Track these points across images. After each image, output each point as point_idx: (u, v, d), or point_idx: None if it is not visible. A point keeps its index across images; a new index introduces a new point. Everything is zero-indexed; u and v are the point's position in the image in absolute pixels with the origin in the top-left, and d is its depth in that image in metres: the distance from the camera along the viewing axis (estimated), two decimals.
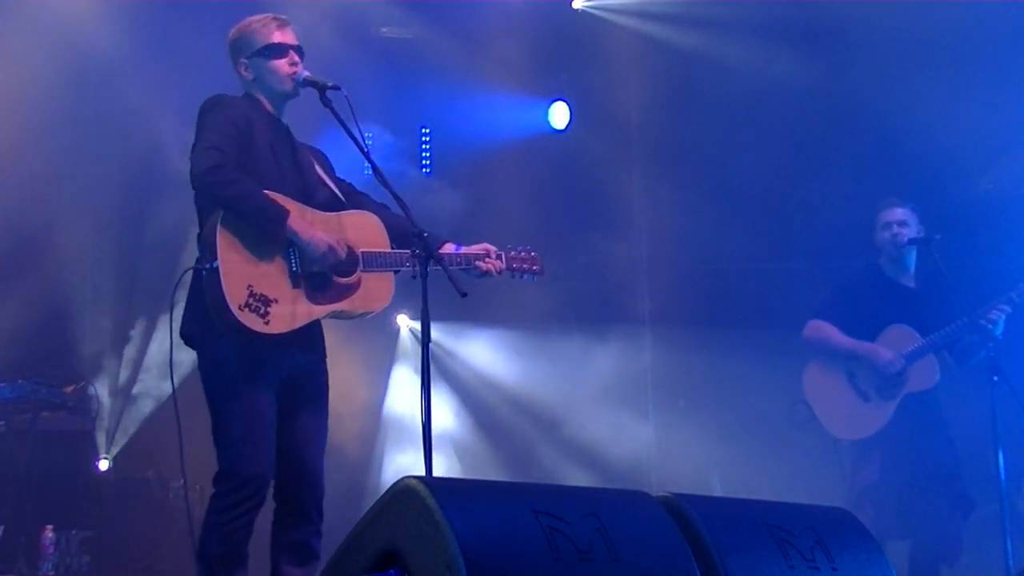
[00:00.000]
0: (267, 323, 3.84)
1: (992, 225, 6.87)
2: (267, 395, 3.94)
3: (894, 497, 5.55)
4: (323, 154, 4.34)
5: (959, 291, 5.56)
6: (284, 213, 3.88)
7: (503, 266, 4.33)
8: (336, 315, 4.06)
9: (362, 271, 4.05)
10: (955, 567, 5.58)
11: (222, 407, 3.93)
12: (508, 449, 8.07)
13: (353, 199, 4.24)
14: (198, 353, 3.99)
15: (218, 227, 3.83)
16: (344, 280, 4.02)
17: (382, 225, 4.15)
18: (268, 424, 3.94)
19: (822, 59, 7.26)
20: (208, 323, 3.87)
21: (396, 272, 4.13)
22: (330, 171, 4.30)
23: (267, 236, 3.88)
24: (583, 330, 8.12)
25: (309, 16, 6.61)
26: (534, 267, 4.43)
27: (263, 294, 3.85)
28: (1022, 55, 6.95)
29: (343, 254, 3.96)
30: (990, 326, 5.50)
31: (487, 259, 4.28)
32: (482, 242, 4.35)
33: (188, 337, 3.99)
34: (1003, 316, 5.55)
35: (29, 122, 6.88)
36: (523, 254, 4.42)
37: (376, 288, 4.10)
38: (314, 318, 3.99)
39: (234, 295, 3.79)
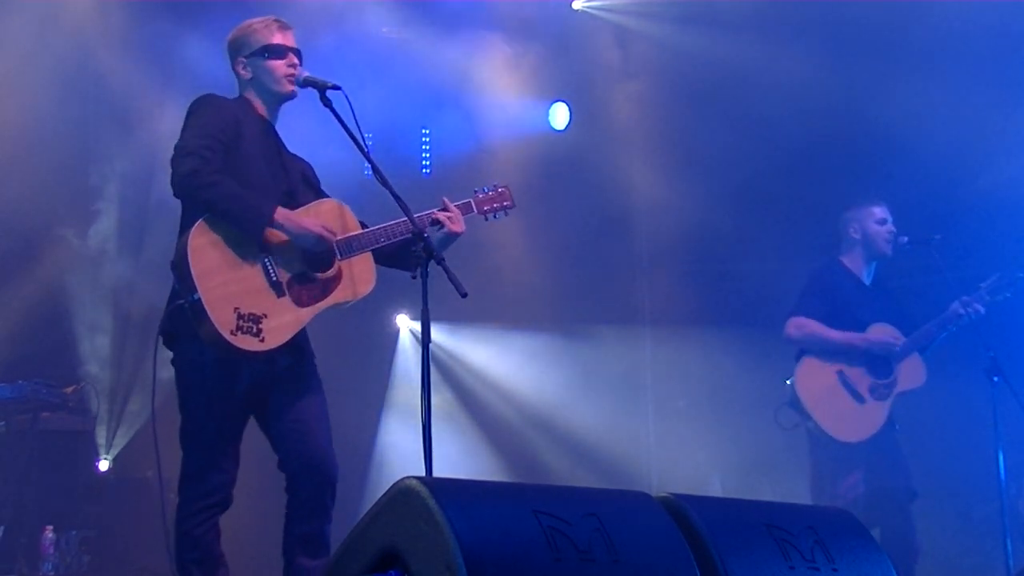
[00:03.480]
0: (262, 340, 3.83)
1: (992, 225, 6.87)
2: (239, 402, 3.93)
3: (869, 499, 5.57)
4: (310, 166, 4.32)
5: (954, 290, 5.60)
6: (270, 207, 3.87)
7: (461, 228, 4.17)
8: (328, 309, 4.04)
9: (340, 260, 4.04)
10: (923, 562, 5.59)
11: (191, 410, 3.92)
12: (508, 449, 8.07)
13: None
14: (174, 353, 3.98)
15: (189, 255, 3.78)
16: (325, 275, 4.01)
17: (347, 208, 4.14)
18: (236, 431, 3.96)
19: (822, 59, 7.25)
20: (185, 326, 3.84)
21: (372, 251, 4.09)
22: (316, 182, 4.29)
23: (253, 233, 3.86)
24: (583, 330, 8.13)
25: (309, 16, 6.62)
26: (504, 203, 4.41)
27: (251, 312, 3.82)
28: (1022, 55, 6.95)
29: (333, 237, 3.95)
30: (975, 315, 5.55)
31: (450, 217, 4.17)
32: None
33: (166, 336, 3.98)
34: (976, 313, 5.59)
35: (29, 122, 6.88)
36: (490, 193, 4.38)
37: (358, 272, 4.07)
38: (305, 322, 3.97)
39: (223, 322, 3.77)
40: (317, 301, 3.98)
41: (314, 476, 3.98)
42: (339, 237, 4.04)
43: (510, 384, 8.24)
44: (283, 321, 3.89)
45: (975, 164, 6.89)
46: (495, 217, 4.41)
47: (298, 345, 4.05)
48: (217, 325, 3.76)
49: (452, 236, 4.19)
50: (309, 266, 3.98)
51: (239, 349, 3.79)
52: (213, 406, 3.89)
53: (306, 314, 3.96)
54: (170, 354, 4.02)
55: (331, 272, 4.02)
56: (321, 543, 3.97)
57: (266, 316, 3.85)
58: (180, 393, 3.96)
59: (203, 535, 3.87)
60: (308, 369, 4.10)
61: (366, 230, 4.10)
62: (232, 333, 3.77)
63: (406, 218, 4.01)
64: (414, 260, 3.88)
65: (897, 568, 5.40)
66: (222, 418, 3.91)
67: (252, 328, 3.81)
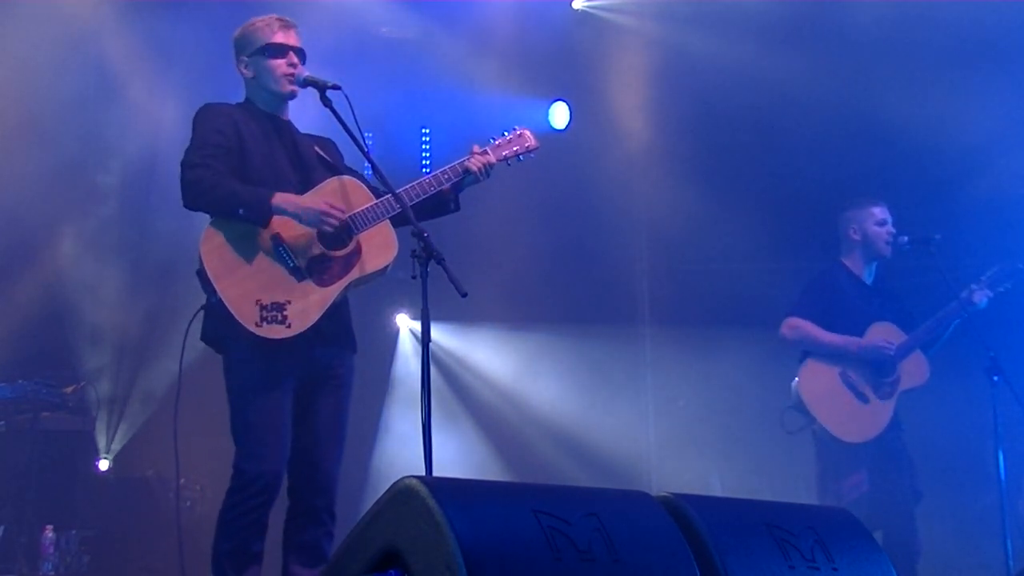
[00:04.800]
0: (289, 326, 3.87)
1: (992, 225, 6.86)
2: (283, 396, 3.96)
3: (873, 500, 5.57)
4: (331, 142, 4.32)
5: (954, 290, 5.60)
6: (267, 194, 3.90)
7: (493, 159, 4.25)
8: (353, 285, 4.04)
9: (356, 234, 4.04)
10: (923, 562, 5.58)
11: (237, 407, 3.97)
12: (508, 449, 8.07)
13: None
14: (222, 355, 4.03)
15: (204, 259, 3.88)
16: (343, 252, 4.01)
17: (358, 182, 4.14)
18: (281, 425, 3.96)
19: (822, 59, 7.26)
20: (226, 328, 3.89)
21: (391, 217, 4.08)
22: (338, 159, 4.29)
23: (259, 223, 3.89)
24: (583, 330, 8.12)
25: (310, 16, 6.61)
26: (527, 144, 4.35)
27: (274, 302, 3.87)
28: (1022, 54, 6.95)
29: (342, 215, 3.95)
30: (975, 307, 5.55)
31: (475, 158, 4.22)
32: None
33: (209, 341, 4.04)
34: (987, 298, 5.58)
35: (29, 122, 6.88)
36: (508, 136, 4.33)
37: (378, 242, 4.06)
38: (331, 300, 3.97)
39: (247, 317, 3.83)
40: (339, 279, 3.99)
41: (318, 485, 4.03)
42: (347, 213, 4.02)
43: (510, 384, 8.23)
44: (307, 304, 3.92)
45: (975, 164, 6.89)
46: (519, 160, 4.33)
47: (336, 337, 4.07)
48: (241, 321, 3.82)
49: (485, 174, 4.23)
50: (326, 246, 3.98)
51: (267, 339, 3.83)
52: (253, 399, 3.92)
53: (330, 293, 3.97)
54: (187, 350, 4.09)
55: (349, 248, 4.02)
56: (317, 553, 4.00)
57: (290, 302, 3.89)
58: (227, 388, 4.00)
59: (243, 527, 3.88)
60: (344, 370, 4.12)
61: (379, 200, 4.07)
62: (257, 325, 3.83)
63: (415, 183, 4.09)
64: (441, 208, 4.17)
65: (898, 569, 5.42)
66: (261, 411, 3.92)
67: (277, 316, 3.85)
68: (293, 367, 3.96)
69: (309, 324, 3.90)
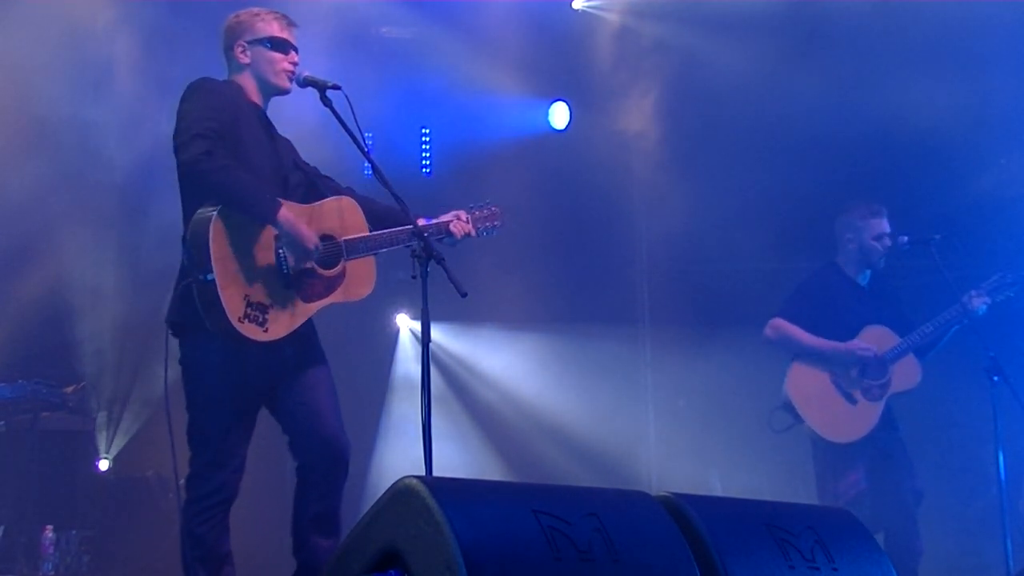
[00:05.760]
0: (266, 330, 3.86)
1: (992, 225, 6.86)
2: (247, 397, 3.94)
3: (870, 499, 5.58)
4: (289, 141, 4.34)
5: (954, 291, 5.60)
6: (277, 204, 3.89)
7: (472, 230, 4.38)
8: (328, 306, 4.08)
9: (345, 260, 4.07)
10: (923, 563, 5.59)
11: (199, 407, 3.93)
12: (508, 449, 8.07)
13: (321, 182, 4.28)
14: (181, 349, 3.97)
15: (211, 236, 3.79)
16: (330, 272, 4.05)
17: (356, 205, 4.19)
18: (243, 428, 3.96)
19: (821, 59, 7.26)
20: (193, 315, 3.83)
21: (375, 254, 4.15)
22: (298, 157, 4.31)
23: (257, 224, 3.88)
24: (583, 330, 8.12)
25: (309, 16, 6.60)
26: (495, 222, 4.53)
27: (259, 302, 3.86)
28: (1022, 54, 6.95)
29: (314, 256, 3.96)
30: (974, 313, 5.55)
31: (458, 222, 4.33)
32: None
33: (174, 326, 3.97)
34: (986, 305, 5.58)
35: (29, 123, 6.88)
36: (485, 211, 4.51)
37: (361, 274, 4.14)
38: (309, 316, 4.02)
39: (233, 308, 3.79)
40: (321, 298, 4.03)
41: (327, 454, 3.99)
42: (347, 237, 4.07)
43: (510, 384, 8.23)
44: (288, 313, 3.92)
45: (975, 164, 6.89)
46: (486, 234, 4.51)
47: (303, 335, 4.06)
48: (227, 309, 3.77)
49: (460, 241, 4.34)
50: (317, 262, 4.00)
51: (243, 337, 3.80)
52: (221, 403, 3.90)
53: (310, 309, 4.01)
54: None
55: (336, 270, 4.06)
56: (334, 522, 4.00)
57: (272, 307, 3.89)
58: (187, 390, 3.95)
59: (207, 533, 3.87)
60: (314, 353, 4.12)
61: (372, 234, 4.13)
62: (240, 320, 3.80)
63: (401, 229, 4.10)
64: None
65: (899, 569, 5.42)
66: (230, 416, 3.91)
67: (258, 317, 3.84)
68: (257, 368, 3.92)
69: (284, 334, 3.91)
